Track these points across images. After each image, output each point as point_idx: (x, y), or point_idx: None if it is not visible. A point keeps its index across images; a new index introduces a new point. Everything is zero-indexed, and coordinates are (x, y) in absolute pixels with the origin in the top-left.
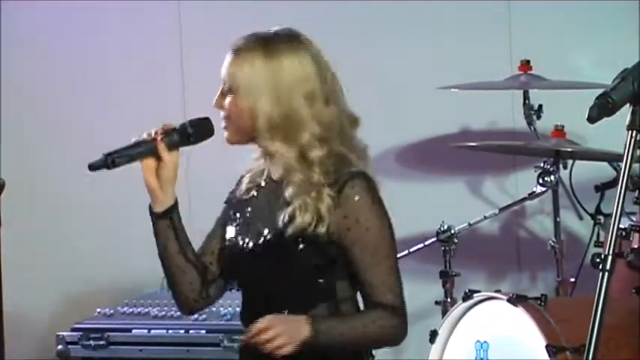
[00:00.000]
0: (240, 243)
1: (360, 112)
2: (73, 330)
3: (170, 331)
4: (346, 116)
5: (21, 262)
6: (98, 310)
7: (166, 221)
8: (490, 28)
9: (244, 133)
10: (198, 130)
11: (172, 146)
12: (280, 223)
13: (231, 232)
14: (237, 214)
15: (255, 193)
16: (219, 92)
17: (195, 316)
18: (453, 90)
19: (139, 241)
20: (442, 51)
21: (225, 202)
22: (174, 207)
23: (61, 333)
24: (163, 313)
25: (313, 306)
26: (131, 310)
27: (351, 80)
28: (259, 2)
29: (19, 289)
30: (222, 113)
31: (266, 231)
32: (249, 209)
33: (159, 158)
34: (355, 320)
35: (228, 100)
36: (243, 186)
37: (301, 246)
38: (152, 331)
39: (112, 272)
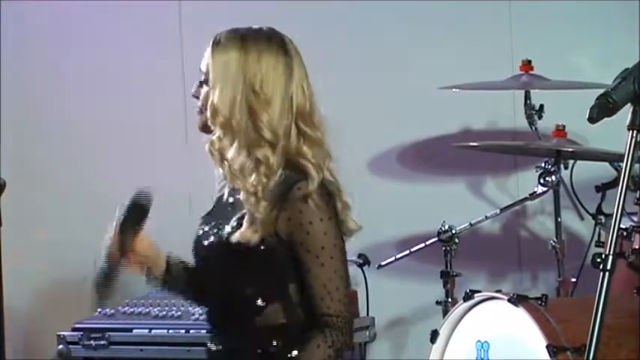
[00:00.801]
0: (203, 237)
1: (361, 112)
2: (74, 330)
3: (171, 331)
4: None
5: (21, 262)
6: (99, 309)
7: (163, 279)
8: (491, 28)
9: (208, 127)
10: (133, 217)
11: (127, 243)
12: (230, 228)
13: (200, 224)
14: (212, 208)
15: (225, 191)
16: (197, 82)
17: (196, 315)
18: (454, 90)
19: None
20: (443, 51)
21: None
22: (167, 269)
23: (61, 333)
24: (164, 312)
25: (265, 305)
26: (132, 309)
27: (353, 80)
28: (259, 2)
29: (20, 288)
30: (197, 102)
31: (224, 229)
32: (216, 205)
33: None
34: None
35: (203, 90)
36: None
37: (253, 246)
38: (153, 331)
39: None
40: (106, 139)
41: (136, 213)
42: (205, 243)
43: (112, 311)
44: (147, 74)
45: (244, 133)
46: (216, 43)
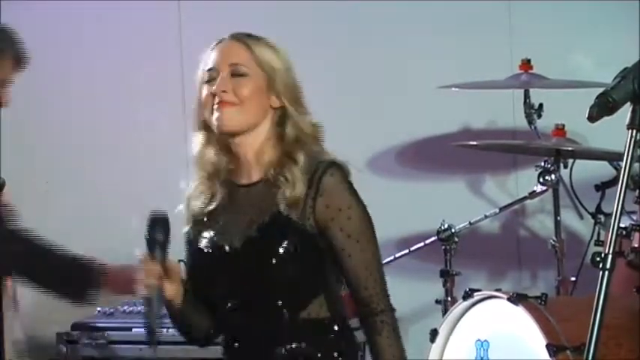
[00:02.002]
0: (221, 247)
1: (361, 111)
2: (74, 329)
3: (170, 330)
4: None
5: None
6: (98, 309)
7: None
8: (491, 28)
9: (257, 118)
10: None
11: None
12: (268, 219)
13: (203, 242)
14: (208, 228)
15: (222, 202)
16: (223, 77)
17: None
18: (453, 89)
19: (140, 240)
20: (443, 50)
21: (187, 233)
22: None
23: (61, 332)
24: (164, 311)
25: (309, 302)
26: (131, 308)
27: (353, 79)
28: (259, 2)
29: (19, 287)
30: (225, 97)
31: (250, 231)
32: (221, 217)
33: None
34: None
35: (242, 82)
36: (200, 202)
37: (289, 242)
38: None
39: None
40: (105, 139)
41: (160, 234)
42: (225, 249)
43: (112, 310)
44: (146, 74)
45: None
46: (244, 38)
